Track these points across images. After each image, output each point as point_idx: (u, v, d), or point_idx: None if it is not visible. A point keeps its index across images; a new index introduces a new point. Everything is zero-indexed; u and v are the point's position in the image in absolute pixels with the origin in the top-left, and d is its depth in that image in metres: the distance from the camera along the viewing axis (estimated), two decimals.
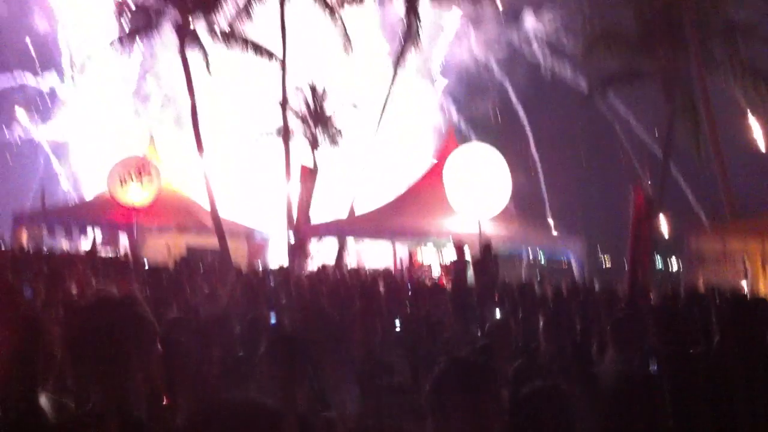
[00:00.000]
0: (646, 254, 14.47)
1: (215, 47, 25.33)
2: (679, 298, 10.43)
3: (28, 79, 43.31)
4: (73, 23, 42.70)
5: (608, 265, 34.50)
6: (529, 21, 41.35)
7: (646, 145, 36.85)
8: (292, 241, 22.85)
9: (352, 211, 26.07)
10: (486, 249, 16.20)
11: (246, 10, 24.98)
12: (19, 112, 43.43)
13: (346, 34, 26.05)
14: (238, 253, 25.17)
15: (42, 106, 43.79)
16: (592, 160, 39.20)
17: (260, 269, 20.16)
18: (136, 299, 2.84)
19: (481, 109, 41.80)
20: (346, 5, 26.51)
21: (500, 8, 29.46)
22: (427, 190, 20.95)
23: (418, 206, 20.59)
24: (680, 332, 5.02)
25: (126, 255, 23.65)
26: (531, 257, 23.22)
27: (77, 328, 2.65)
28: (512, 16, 40.75)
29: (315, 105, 26.69)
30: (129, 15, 25.24)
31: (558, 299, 13.20)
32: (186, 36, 24.49)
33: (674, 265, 30.20)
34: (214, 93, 33.38)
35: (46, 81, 43.62)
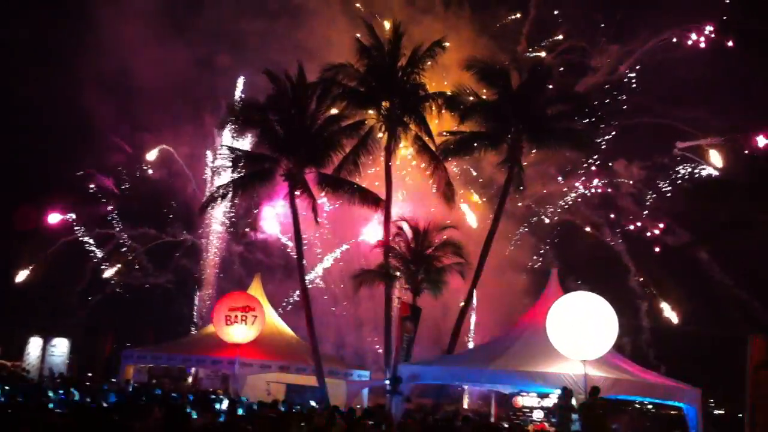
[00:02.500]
0: (765, 403, 13.68)
1: (323, 193, 26.37)
2: None
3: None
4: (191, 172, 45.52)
5: (721, 412, 32.61)
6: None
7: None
8: (390, 381, 22.59)
9: (452, 349, 25.72)
10: (593, 393, 15.66)
11: (354, 162, 26.09)
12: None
13: (449, 184, 26.67)
14: (337, 391, 25.07)
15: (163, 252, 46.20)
16: (704, 306, 37.93)
17: (358, 408, 20.02)
18: None
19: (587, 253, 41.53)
20: (450, 157, 27.35)
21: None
22: (529, 330, 20.54)
23: (520, 346, 20.14)
24: None
25: (227, 391, 24.00)
26: (638, 402, 22.07)
27: None
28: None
29: (416, 246, 27.00)
30: (244, 163, 26.67)
31: None
32: (296, 183, 25.64)
33: None
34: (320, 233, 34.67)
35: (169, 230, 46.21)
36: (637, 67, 41.00)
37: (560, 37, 41.72)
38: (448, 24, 37.37)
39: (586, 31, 41.81)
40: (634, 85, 41.09)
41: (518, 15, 42.63)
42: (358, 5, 40.49)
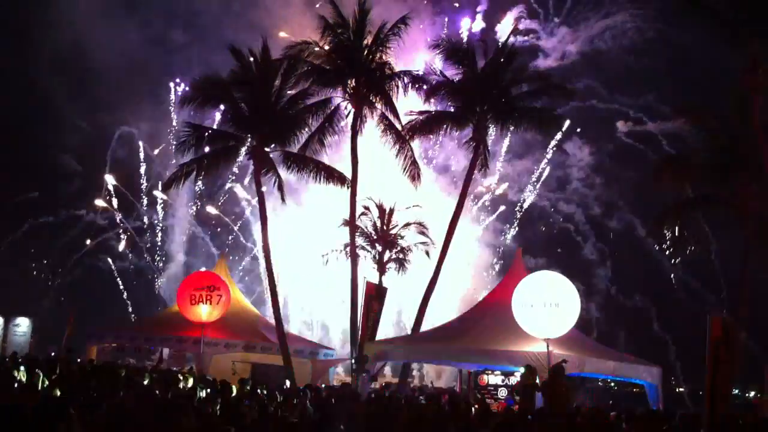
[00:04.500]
0: (724, 380, 13.92)
1: (289, 171, 26.21)
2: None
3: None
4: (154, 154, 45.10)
5: (682, 389, 33.49)
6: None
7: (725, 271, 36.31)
8: (356, 359, 22.67)
9: (418, 328, 25.88)
10: (557, 372, 15.82)
11: (320, 140, 25.93)
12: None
13: (414, 162, 26.64)
14: (303, 370, 25.08)
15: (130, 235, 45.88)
16: (668, 284, 38.80)
17: (323, 387, 20.06)
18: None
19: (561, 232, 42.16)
20: (416, 137, 27.32)
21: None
22: (493, 309, 20.71)
23: (485, 325, 20.30)
24: None
25: (192, 370, 23.87)
26: (601, 380, 22.39)
27: None
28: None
29: (382, 225, 27.00)
30: (208, 141, 26.28)
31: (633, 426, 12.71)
32: (262, 162, 25.42)
33: (751, 393, 29.07)
34: (285, 212, 34.51)
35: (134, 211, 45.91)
36: (587, 51, 41.43)
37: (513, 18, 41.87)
38: (406, 4, 37.30)
39: (539, 12, 42.19)
40: (583, 69, 41.55)
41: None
42: None
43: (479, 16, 41.91)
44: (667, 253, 38.98)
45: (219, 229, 45.16)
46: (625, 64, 40.11)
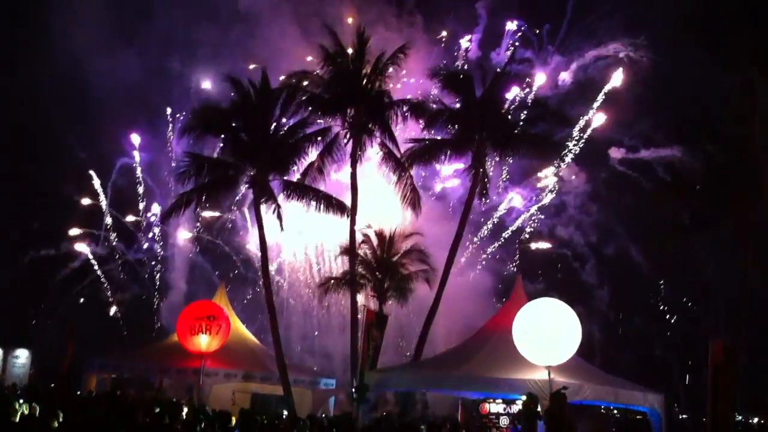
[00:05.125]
0: (726, 404, 13.86)
1: (288, 200, 26.25)
2: None
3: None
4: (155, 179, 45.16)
5: (684, 416, 33.28)
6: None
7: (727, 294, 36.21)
8: (356, 388, 22.51)
9: (419, 356, 25.75)
10: (558, 399, 15.70)
11: (319, 169, 26.05)
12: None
13: (414, 190, 26.72)
14: (303, 399, 24.89)
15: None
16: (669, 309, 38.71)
17: (324, 417, 19.92)
18: None
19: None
20: (415, 166, 27.48)
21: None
22: (494, 336, 20.63)
23: (486, 352, 20.21)
24: None
25: (192, 400, 23.72)
26: (603, 407, 22.23)
27: None
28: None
29: (382, 253, 27.00)
30: (207, 170, 26.34)
31: None
32: (261, 191, 25.48)
33: (754, 420, 28.91)
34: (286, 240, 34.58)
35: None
36: (580, 80, 41.55)
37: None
38: (402, 35, 37.52)
39: (533, 40, 42.43)
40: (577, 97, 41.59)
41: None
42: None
43: (474, 45, 42.23)
44: (662, 283, 39.29)
45: (219, 260, 44.97)
46: (619, 92, 40.18)
